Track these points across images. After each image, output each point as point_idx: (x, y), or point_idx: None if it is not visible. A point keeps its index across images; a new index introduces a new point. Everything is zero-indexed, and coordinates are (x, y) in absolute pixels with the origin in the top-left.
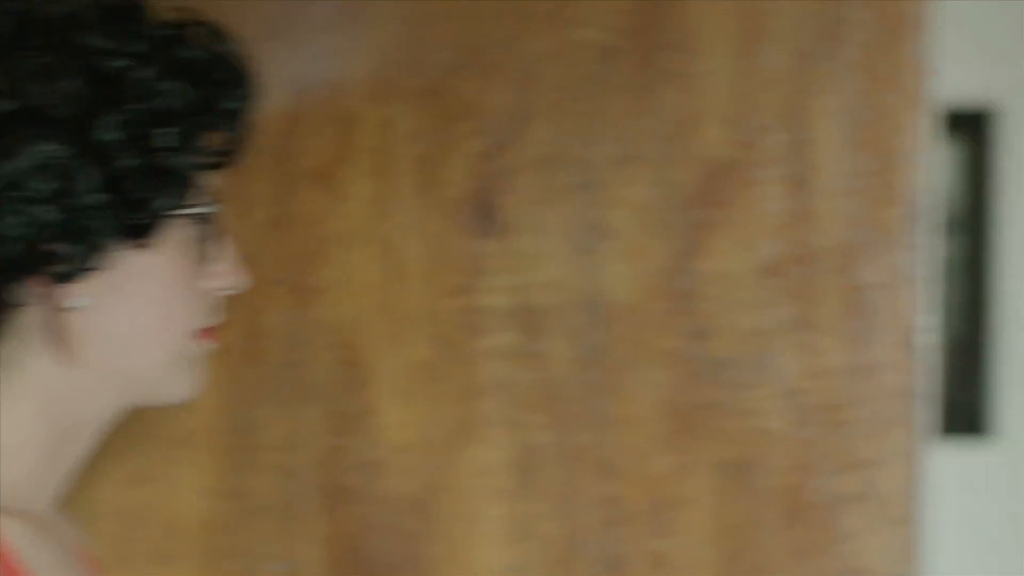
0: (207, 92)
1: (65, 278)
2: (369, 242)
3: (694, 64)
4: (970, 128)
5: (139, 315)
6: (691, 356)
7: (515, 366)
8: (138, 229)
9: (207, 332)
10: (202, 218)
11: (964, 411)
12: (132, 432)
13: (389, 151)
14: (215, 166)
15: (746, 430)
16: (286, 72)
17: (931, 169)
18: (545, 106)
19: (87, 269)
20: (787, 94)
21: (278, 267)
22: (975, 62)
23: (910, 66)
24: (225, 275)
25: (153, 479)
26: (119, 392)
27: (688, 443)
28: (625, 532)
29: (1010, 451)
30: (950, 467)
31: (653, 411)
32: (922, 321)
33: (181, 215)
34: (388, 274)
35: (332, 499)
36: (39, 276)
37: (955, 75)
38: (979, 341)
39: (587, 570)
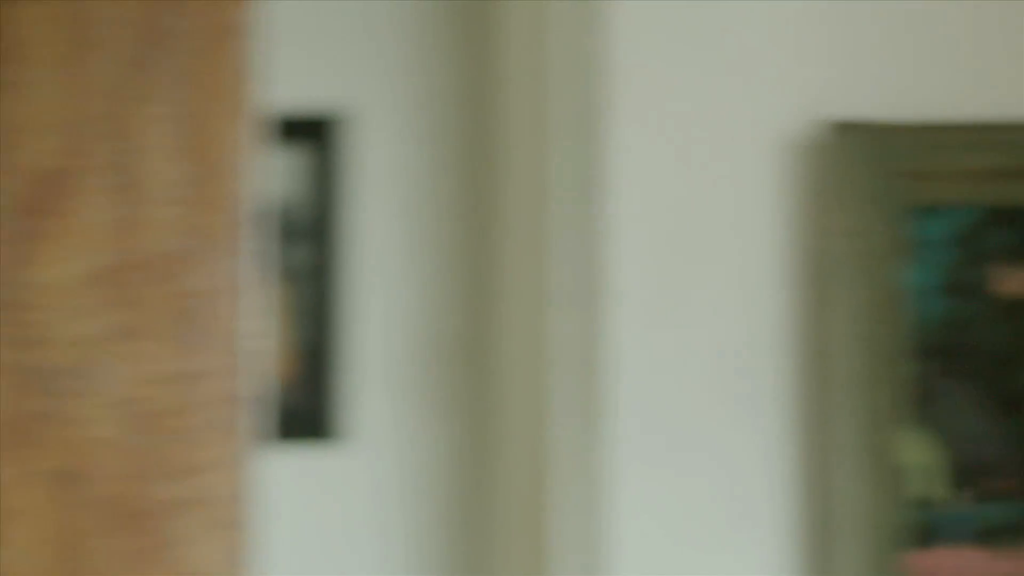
0: None
1: None
2: None
3: (22, 73)
4: (317, 135)
5: None
6: (22, 366)
7: None
8: None
9: None
10: None
11: (312, 416)
12: None
13: None
14: None
15: (78, 439)
16: None
17: (260, 176)
18: None
19: None
20: (116, 103)
21: None
22: (323, 69)
23: (233, 73)
24: None
25: None
26: None
27: (21, 454)
28: None
29: (356, 455)
30: (298, 471)
31: None
32: (252, 327)
33: None
34: None
35: None
36: None
37: (302, 82)
38: (327, 347)
39: None
